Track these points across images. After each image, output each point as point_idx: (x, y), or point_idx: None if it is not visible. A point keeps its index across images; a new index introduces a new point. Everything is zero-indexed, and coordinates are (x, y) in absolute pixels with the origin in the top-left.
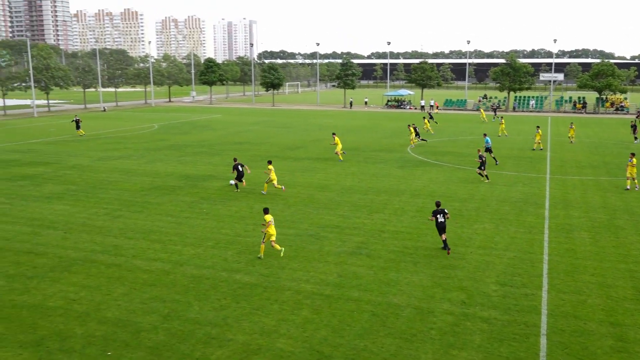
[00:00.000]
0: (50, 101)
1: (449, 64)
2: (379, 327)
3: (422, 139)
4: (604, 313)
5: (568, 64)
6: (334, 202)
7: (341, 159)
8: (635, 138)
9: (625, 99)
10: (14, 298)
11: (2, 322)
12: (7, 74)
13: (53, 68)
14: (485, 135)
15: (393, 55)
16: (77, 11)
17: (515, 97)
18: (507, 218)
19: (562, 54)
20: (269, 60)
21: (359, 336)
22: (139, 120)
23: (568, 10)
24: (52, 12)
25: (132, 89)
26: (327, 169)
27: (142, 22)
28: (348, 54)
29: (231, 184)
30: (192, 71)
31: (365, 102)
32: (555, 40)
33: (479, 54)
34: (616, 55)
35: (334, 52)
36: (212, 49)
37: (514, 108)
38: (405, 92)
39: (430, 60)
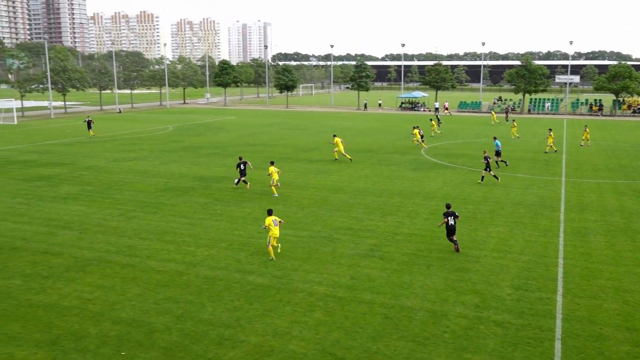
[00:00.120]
0: (66, 103)
1: (464, 65)
2: (392, 330)
3: (423, 141)
4: (621, 318)
5: (584, 65)
6: (348, 204)
7: (336, 157)
8: None
9: None
10: (31, 297)
11: (18, 321)
12: (26, 76)
13: (70, 70)
14: (495, 138)
15: (407, 57)
16: (94, 14)
17: (531, 99)
18: (521, 221)
19: (578, 55)
20: (283, 62)
21: (371, 339)
22: (154, 121)
23: (584, 11)
24: (69, 14)
25: (148, 91)
26: (341, 170)
27: (157, 25)
28: (362, 56)
29: (235, 184)
30: (207, 73)
31: (379, 104)
32: (571, 42)
33: (493, 55)
34: (634, 57)
35: (347, 54)
36: (227, 51)
37: (529, 110)
38: (419, 94)
39: (444, 62)
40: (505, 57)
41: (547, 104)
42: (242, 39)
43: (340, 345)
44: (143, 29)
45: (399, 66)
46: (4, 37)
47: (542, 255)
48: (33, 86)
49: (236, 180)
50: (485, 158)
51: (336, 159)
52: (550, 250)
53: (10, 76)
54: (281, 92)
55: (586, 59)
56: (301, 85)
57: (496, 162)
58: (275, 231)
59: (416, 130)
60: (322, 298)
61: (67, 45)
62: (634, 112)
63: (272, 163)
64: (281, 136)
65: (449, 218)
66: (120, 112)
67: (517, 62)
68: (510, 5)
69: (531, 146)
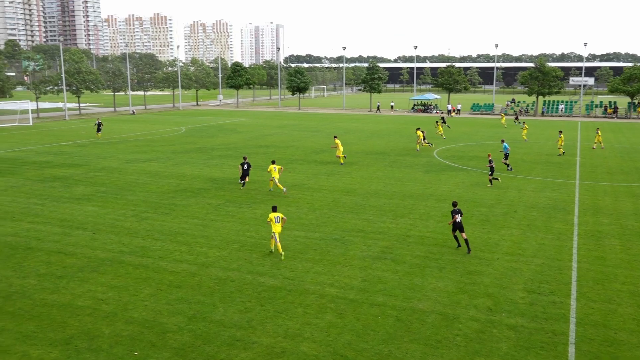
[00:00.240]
0: (81, 104)
1: (477, 67)
2: (404, 332)
3: (429, 142)
4: (636, 323)
5: (599, 67)
6: (359, 206)
7: (342, 162)
8: None
9: None
10: (45, 297)
11: (33, 321)
12: (41, 78)
13: (84, 72)
14: (503, 141)
15: (420, 59)
16: (108, 16)
17: (544, 101)
18: (535, 224)
19: (592, 57)
20: (295, 64)
21: (383, 341)
22: (167, 123)
23: (599, 13)
24: (84, 17)
25: (161, 93)
26: (352, 172)
27: (170, 27)
28: (374, 57)
29: (242, 185)
30: (220, 75)
31: (392, 106)
32: (585, 44)
33: (507, 57)
34: None
35: (360, 56)
36: (239, 53)
37: (542, 113)
38: (431, 96)
39: (457, 64)
40: (518, 59)
41: (561, 107)
42: (255, 41)
43: (352, 348)
44: (156, 31)
45: (412, 68)
46: (20, 40)
47: (556, 259)
48: (48, 88)
49: (242, 183)
50: (490, 161)
51: (342, 164)
52: (564, 253)
53: (26, 78)
54: (293, 94)
55: (601, 60)
56: (313, 87)
57: (506, 165)
58: (276, 227)
59: (419, 132)
60: (334, 300)
61: (82, 48)
62: None
63: (273, 162)
64: (293, 138)
65: (457, 215)
66: (133, 113)
67: (531, 64)
68: (523, 7)
69: (544, 149)
